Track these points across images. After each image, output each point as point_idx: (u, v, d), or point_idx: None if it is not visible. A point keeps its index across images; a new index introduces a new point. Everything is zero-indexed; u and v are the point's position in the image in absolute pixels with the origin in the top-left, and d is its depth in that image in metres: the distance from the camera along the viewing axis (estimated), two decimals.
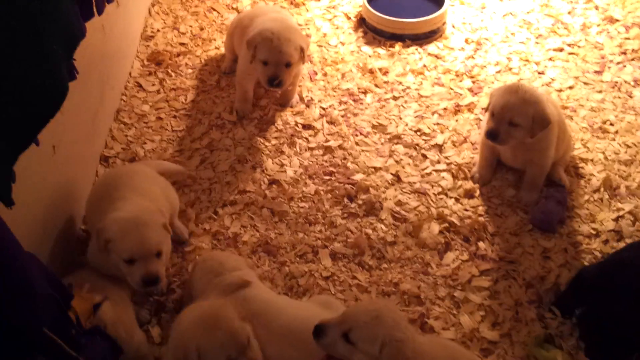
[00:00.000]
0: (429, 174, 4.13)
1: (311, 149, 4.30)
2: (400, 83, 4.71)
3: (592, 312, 3.23)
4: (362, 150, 4.27)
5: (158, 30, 5.14)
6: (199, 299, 3.33)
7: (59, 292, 2.52)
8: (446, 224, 3.87)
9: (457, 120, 4.44)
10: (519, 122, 3.69)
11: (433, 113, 4.49)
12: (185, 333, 2.79)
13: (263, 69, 4.17)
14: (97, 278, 3.31)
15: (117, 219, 3.15)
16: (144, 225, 3.14)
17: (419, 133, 4.36)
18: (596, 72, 4.74)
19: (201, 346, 2.75)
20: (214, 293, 3.27)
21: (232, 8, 5.34)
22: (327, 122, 4.45)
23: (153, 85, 4.73)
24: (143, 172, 3.62)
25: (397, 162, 4.20)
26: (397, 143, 4.31)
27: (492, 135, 3.76)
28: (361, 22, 5.19)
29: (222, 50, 4.93)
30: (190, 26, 5.19)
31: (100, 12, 3.22)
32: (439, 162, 4.20)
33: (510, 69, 4.80)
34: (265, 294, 3.28)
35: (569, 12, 5.24)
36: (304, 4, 5.35)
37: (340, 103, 4.58)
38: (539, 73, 4.76)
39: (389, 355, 2.74)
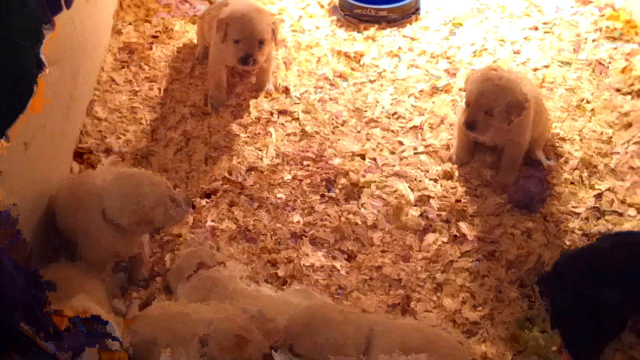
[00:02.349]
0: (407, 157, 4.11)
1: (288, 135, 4.26)
2: (376, 66, 4.68)
3: (561, 301, 3.22)
4: (340, 136, 4.25)
5: (129, 23, 5.07)
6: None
7: (35, 288, 2.50)
8: (426, 207, 3.86)
9: (433, 102, 4.41)
10: (495, 112, 3.68)
11: (409, 96, 4.46)
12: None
13: (236, 48, 4.13)
14: (71, 272, 3.31)
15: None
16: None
17: (395, 116, 4.34)
18: (572, 50, 4.73)
19: None
20: (196, 284, 3.29)
21: None
22: (304, 108, 4.42)
23: (126, 78, 4.67)
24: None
25: (375, 146, 4.18)
26: (374, 127, 4.29)
27: (470, 126, 3.73)
28: (335, 9, 5.15)
29: (195, 40, 4.89)
30: (162, 18, 5.12)
31: (68, 6, 3.19)
32: (416, 145, 4.18)
33: (486, 49, 4.77)
34: (250, 291, 3.29)
35: None
36: None
37: (316, 88, 4.55)
38: (515, 53, 4.73)
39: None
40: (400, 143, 4.19)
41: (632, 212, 3.78)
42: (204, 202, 3.92)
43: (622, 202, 3.83)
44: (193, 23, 5.05)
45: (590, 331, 3.12)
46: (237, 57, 4.14)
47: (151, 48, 4.88)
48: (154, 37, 4.98)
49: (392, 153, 4.14)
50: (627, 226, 3.71)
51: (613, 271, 3.12)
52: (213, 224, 3.81)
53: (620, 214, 3.77)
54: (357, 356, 2.79)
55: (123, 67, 4.74)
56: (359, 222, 3.80)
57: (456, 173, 4.02)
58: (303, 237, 3.76)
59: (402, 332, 2.92)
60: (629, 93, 4.39)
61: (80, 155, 4.16)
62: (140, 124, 4.37)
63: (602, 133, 4.17)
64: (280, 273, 3.59)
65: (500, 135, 3.87)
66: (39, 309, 2.50)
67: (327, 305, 2.94)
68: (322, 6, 5.21)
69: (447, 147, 4.13)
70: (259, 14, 4.14)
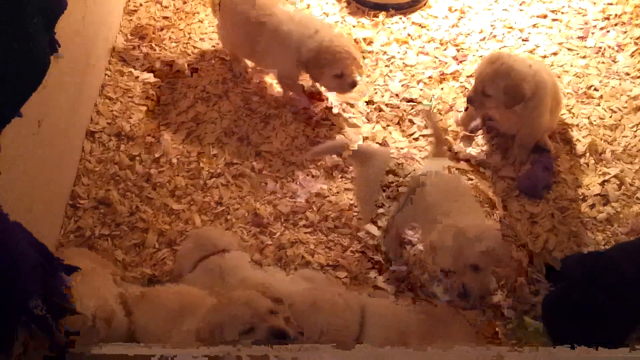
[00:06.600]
0: (416, 139, 4.15)
1: (295, 117, 4.30)
2: (385, 52, 4.69)
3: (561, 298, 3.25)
4: (349, 118, 4.28)
5: (141, 4, 5.07)
6: (187, 274, 3.37)
7: (46, 258, 2.54)
8: None
9: (442, 89, 4.43)
10: (490, 93, 3.73)
11: (418, 82, 4.48)
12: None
13: (340, 80, 4.09)
14: (81, 256, 3.36)
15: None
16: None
17: (405, 101, 4.37)
18: (580, 37, 4.73)
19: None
20: (204, 272, 3.32)
21: None
22: (312, 91, 4.44)
23: (137, 59, 4.69)
24: None
25: (384, 128, 4.21)
26: (382, 110, 4.32)
27: (469, 100, 3.84)
28: None
29: (206, 23, 4.88)
30: (173, 0, 5.14)
31: None
32: (426, 127, 4.19)
33: (494, 36, 4.77)
34: (259, 274, 3.36)
35: None
36: None
37: None
38: (523, 40, 4.74)
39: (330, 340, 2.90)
40: (410, 125, 4.23)
41: None
42: (214, 185, 3.96)
43: (631, 184, 3.87)
44: (204, 5, 5.03)
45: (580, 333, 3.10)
46: (346, 87, 4.12)
47: (162, 29, 4.89)
48: (165, 17, 4.98)
49: (401, 135, 4.17)
50: (635, 208, 3.76)
51: (613, 279, 3.11)
52: (223, 207, 3.86)
53: (629, 197, 3.82)
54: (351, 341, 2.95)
55: (134, 48, 4.74)
56: None
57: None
58: (311, 220, 3.81)
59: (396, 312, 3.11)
60: (639, 77, 4.42)
61: (92, 134, 4.19)
62: (151, 106, 4.40)
63: (609, 119, 4.19)
64: (288, 256, 3.65)
65: (509, 121, 3.90)
66: (52, 276, 2.55)
67: (331, 291, 3.08)
68: None
69: (456, 133, 4.18)
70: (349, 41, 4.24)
